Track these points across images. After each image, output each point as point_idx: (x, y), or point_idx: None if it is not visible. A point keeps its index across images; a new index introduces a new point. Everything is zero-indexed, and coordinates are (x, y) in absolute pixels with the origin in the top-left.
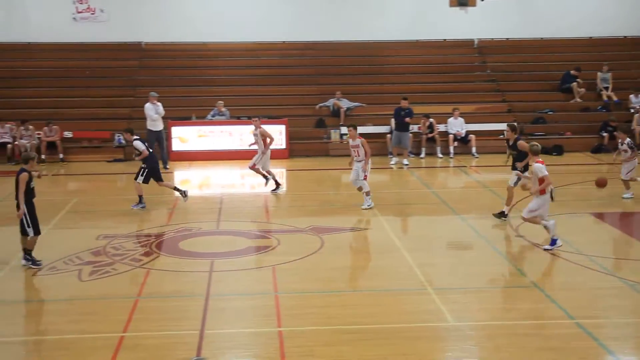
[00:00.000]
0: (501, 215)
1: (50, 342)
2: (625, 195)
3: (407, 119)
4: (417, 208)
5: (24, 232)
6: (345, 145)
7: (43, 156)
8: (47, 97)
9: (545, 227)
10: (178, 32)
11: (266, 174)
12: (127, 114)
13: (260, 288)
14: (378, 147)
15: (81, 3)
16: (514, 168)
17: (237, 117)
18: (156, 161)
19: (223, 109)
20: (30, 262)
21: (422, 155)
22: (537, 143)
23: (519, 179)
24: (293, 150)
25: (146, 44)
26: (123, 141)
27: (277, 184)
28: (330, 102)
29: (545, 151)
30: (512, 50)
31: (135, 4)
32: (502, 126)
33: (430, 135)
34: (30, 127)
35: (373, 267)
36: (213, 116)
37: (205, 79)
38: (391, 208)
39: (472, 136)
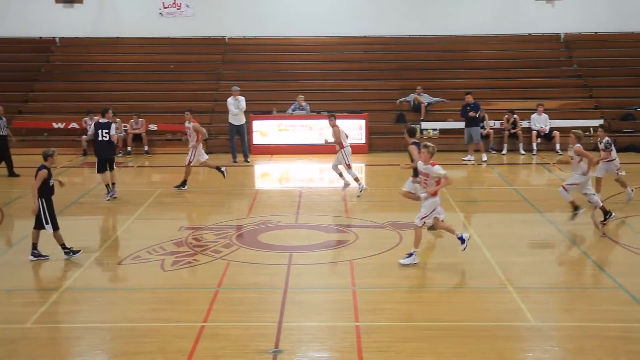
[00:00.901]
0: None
1: (135, 329)
2: (630, 195)
3: (472, 113)
4: (498, 205)
5: (39, 227)
6: (424, 141)
7: (129, 148)
8: (133, 91)
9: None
10: (261, 27)
11: (211, 167)
12: (210, 108)
13: (338, 282)
14: (459, 143)
15: None
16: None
17: (317, 112)
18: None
19: (303, 103)
20: (37, 257)
21: (504, 151)
22: (432, 144)
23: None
24: (373, 145)
25: (230, 38)
26: (212, 134)
27: (221, 172)
28: (411, 97)
29: (634, 148)
30: (600, 45)
31: None
32: (589, 123)
33: (513, 131)
34: (118, 119)
35: (452, 264)
36: (293, 110)
37: (286, 73)
38: (472, 205)
39: (556, 133)
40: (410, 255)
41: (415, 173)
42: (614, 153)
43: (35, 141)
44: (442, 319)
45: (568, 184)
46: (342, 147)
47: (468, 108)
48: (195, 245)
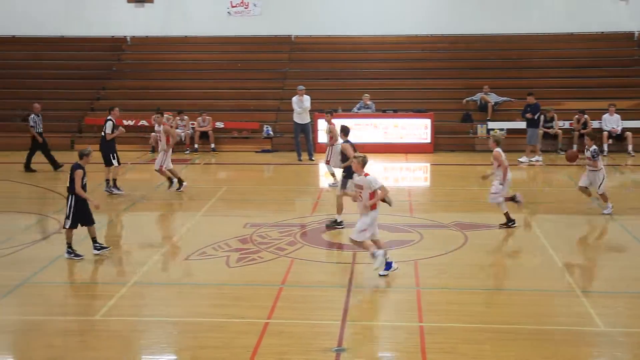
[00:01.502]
0: None
1: (201, 324)
2: (605, 211)
3: (528, 115)
4: (567, 207)
5: (88, 223)
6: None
7: (196, 145)
8: (201, 89)
9: (373, 255)
10: (327, 26)
11: (171, 176)
12: (276, 106)
13: (402, 282)
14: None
15: None
16: None
17: (382, 110)
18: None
19: (369, 102)
20: (72, 255)
21: None
22: (363, 155)
23: None
24: (438, 145)
25: (296, 37)
26: (271, 132)
27: (181, 182)
28: (478, 96)
29: None
30: None
31: None
32: None
33: (583, 131)
34: (186, 117)
35: (517, 266)
36: (359, 109)
37: (352, 72)
38: (539, 206)
39: (628, 133)
40: (388, 266)
41: None
42: (600, 163)
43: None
44: (507, 322)
45: (492, 193)
46: (333, 144)
47: (528, 109)
48: (259, 242)
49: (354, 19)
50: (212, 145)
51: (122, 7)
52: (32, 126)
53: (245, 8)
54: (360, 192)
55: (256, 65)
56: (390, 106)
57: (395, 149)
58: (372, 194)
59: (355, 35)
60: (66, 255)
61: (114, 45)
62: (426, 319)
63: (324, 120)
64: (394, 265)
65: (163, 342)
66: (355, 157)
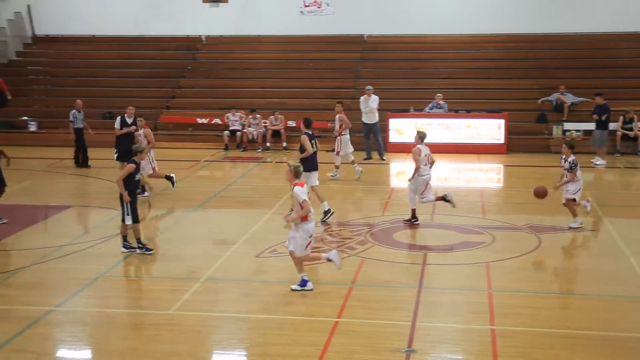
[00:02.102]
0: None
1: (271, 321)
2: (572, 225)
3: (595, 116)
4: None
5: (123, 220)
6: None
7: (268, 144)
8: (273, 88)
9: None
10: (399, 25)
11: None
12: (347, 105)
13: (473, 284)
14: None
15: None
16: None
17: (455, 110)
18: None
19: (441, 102)
20: (128, 249)
21: None
22: (298, 164)
23: None
24: (512, 146)
25: (368, 36)
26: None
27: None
28: (554, 96)
29: None
30: None
31: None
32: None
33: None
34: (258, 115)
35: (593, 271)
36: (431, 109)
37: (424, 71)
38: (616, 209)
39: None
40: (303, 282)
41: None
42: (579, 174)
43: (181, 135)
44: (582, 327)
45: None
46: (340, 134)
47: (596, 110)
48: (330, 241)
49: (427, 18)
50: (284, 144)
51: (197, 7)
52: (71, 121)
53: (318, 7)
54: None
55: (328, 64)
56: (462, 106)
57: (467, 149)
58: (304, 204)
59: (428, 34)
60: (137, 250)
61: (190, 44)
62: (498, 322)
63: (335, 109)
64: (309, 285)
65: (234, 337)
66: (289, 165)
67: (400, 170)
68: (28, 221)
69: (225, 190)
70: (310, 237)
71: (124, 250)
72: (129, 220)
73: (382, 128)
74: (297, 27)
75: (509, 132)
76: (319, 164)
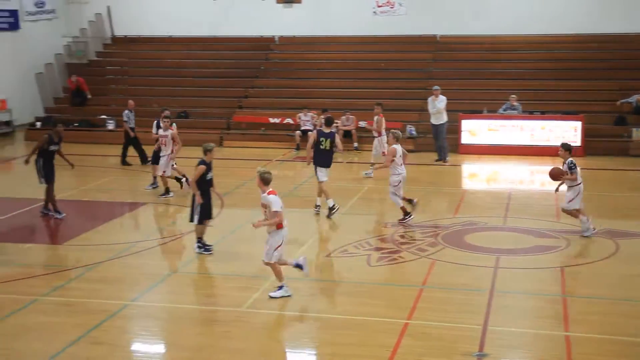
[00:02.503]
0: None
1: (340, 321)
2: (584, 233)
3: None
4: None
5: (191, 220)
6: None
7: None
8: (345, 88)
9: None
10: (472, 26)
11: (179, 176)
12: (419, 106)
13: (547, 289)
14: None
15: None
16: None
17: (529, 112)
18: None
19: (515, 103)
20: (202, 249)
21: None
22: (266, 170)
23: None
24: (589, 149)
25: (441, 37)
26: (414, 132)
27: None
28: (634, 98)
29: None
30: None
31: None
32: None
33: None
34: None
35: None
36: (505, 110)
37: (497, 72)
38: None
39: None
40: (280, 288)
41: None
42: (578, 176)
43: (254, 135)
44: None
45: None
46: (380, 135)
47: None
48: (400, 242)
49: (500, 17)
50: (355, 144)
51: (271, 7)
52: (125, 121)
53: (391, 8)
54: (265, 211)
55: (400, 64)
56: (537, 107)
57: (542, 151)
58: (275, 214)
59: (502, 35)
60: (196, 249)
61: (263, 44)
62: (573, 328)
63: (374, 112)
64: (286, 289)
65: (304, 336)
66: (257, 171)
67: (472, 172)
68: (105, 217)
69: (296, 190)
70: (281, 245)
71: (197, 250)
72: (195, 220)
73: (454, 129)
74: (369, 27)
75: (585, 134)
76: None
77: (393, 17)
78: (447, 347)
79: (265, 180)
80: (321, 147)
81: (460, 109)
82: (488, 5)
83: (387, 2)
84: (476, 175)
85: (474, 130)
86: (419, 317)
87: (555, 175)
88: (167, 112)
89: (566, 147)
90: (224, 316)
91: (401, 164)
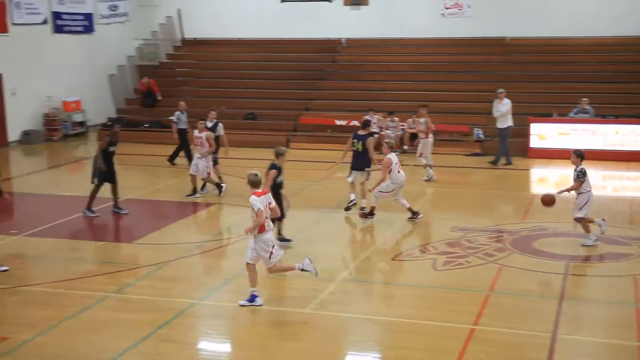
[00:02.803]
0: None
1: (404, 325)
2: (586, 242)
3: None
4: None
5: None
6: None
7: (405, 147)
8: (412, 90)
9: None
10: (543, 27)
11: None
12: (486, 109)
13: (619, 297)
14: None
15: None
16: None
17: (602, 116)
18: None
19: (587, 107)
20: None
21: None
22: (253, 173)
23: None
24: None
25: (510, 39)
26: (482, 136)
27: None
28: None
29: None
30: None
31: None
32: None
33: None
34: (396, 118)
35: None
36: (576, 114)
37: (568, 74)
38: None
39: None
40: (252, 298)
41: None
42: (587, 184)
43: (320, 137)
44: None
45: (380, 191)
46: (427, 137)
47: None
48: (467, 247)
49: (571, 19)
50: None
51: (338, 9)
52: (175, 122)
53: (460, 9)
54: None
55: (468, 67)
56: (610, 111)
57: (615, 156)
58: (254, 214)
59: (573, 37)
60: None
61: (330, 46)
62: None
63: (420, 113)
64: (258, 300)
65: (368, 339)
66: (247, 174)
67: (541, 177)
68: (174, 217)
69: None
70: (272, 247)
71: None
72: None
73: (522, 133)
74: (437, 29)
75: None
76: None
77: (461, 19)
78: (514, 355)
79: (251, 182)
80: (353, 148)
81: (529, 112)
82: (558, 7)
83: (455, 4)
84: (546, 180)
85: (543, 134)
86: (485, 323)
87: (548, 202)
88: (213, 114)
89: (578, 154)
90: (289, 317)
91: (398, 172)
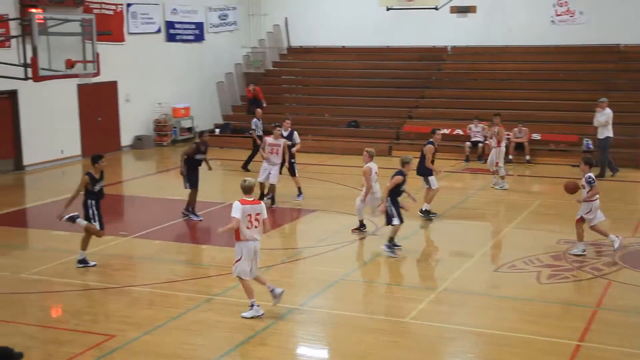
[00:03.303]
0: None
1: (505, 338)
2: (572, 251)
3: None
4: None
5: (388, 222)
6: None
7: (510, 157)
8: (519, 99)
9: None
10: None
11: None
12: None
13: None
14: None
15: (561, 6)
16: None
17: None
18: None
19: None
20: (391, 250)
21: None
22: (244, 180)
23: None
24: None
25: (625, 46)
26: (591, 146)
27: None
28: None
29: None
30: None
31: (615, 5)
32: None
33: None
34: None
35: None
36: None
37: None
38: None
39: None
40: (251, 307)
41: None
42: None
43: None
44: None
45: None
46: (499, 146)
47: None
48: (574, 260)
49: None
50: (527, 157)
51: (444, 17)
52: (253, 129)
53: (571, 16)
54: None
55: (578, 75)
56: None
57: None
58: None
59: None
60: (385, 250)
61: (435, 54)
62: None
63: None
64: (258, 308)
65: (468, 351)
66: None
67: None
68: (277, 222)
69: (464, 202)
70: (238, 259)
71: (386, 250)
72: (396, 221)
73: (634, 143)
74: (547, 36)
75: None
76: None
77: (573, 26)
78: None
79: (241, 188)
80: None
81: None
82: None
83: (567, 11)
84: None
85: None
86: (592, 339)
87: (571, 188)
88: (288, 123)
89: (587, 161)
90: (388, 326)
91: (376, 181)
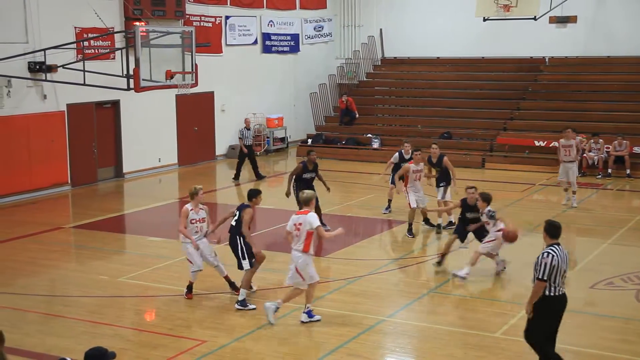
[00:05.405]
0: None
1: (603, 358)
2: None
3: None
4: None
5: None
6: None
7: (609, 170)
8: (621, 111)
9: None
10: None
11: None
12: None
13: None
14: None
15: None
16: None
17: None
18: None
19: None
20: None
21: None
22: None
23: None
24: None
25: None
26: None
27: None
28: None
29: None
30: None
31: None
32: None
33: None
34: (600, 140)
35: None
36: None
37: None
38: None
39: None
40: (308, 313)
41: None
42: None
43: (517, 157)
44: None
45: None
46: (576, 159)
47: None
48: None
49: None
50: (628, 171)
51: (543, 27)
52: (240, 138)
53: None
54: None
55: None
56: None
57: None
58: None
59: None
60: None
61: (532, 65)
62: None
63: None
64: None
65: None
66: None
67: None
68: (366, 233)
69: (560, 216)
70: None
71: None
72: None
73: None
74: None
75: None
76: None
77: None
78: None
79: (302, 201)
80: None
81: None
82: None
83: None
84: None
85: None
86: None
87: (511, 237)
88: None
89: (484, 197)
90: (477, 341)
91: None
